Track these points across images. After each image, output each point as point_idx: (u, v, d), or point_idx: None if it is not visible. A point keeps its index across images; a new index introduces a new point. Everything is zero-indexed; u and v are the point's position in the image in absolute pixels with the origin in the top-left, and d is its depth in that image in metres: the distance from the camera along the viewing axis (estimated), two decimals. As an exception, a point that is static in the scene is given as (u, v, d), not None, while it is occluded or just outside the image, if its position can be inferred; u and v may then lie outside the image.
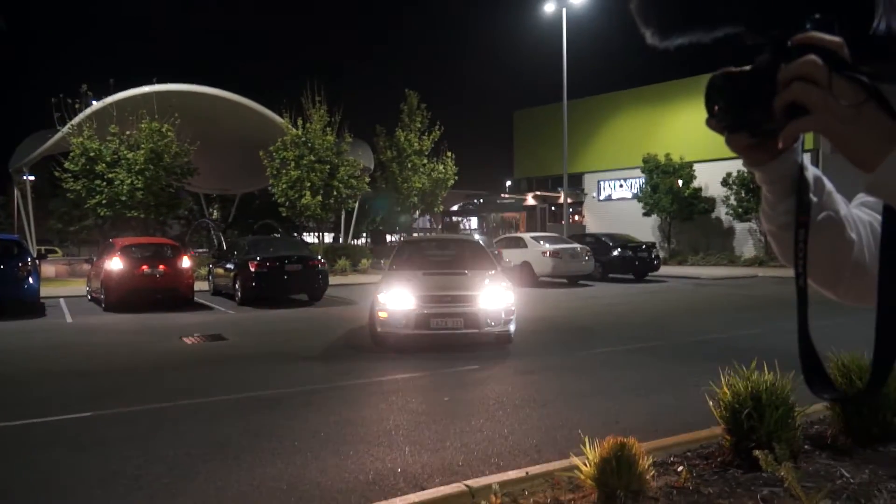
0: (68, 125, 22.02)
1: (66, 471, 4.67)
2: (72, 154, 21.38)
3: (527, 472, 3.88)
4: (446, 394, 6.64)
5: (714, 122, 0.84)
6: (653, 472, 3.51)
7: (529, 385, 7.19)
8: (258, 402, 6.47)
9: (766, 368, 4.06)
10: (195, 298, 15.36)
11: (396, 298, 8.83)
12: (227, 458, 4.81)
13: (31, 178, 29.05)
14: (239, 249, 16.54)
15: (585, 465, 3.49)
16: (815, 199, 0.90)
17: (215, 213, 40.09)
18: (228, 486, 4.27)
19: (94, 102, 23.13)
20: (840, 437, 4.24)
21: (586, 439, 3.63)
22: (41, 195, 31.36)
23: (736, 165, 30.03)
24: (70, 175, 21.31)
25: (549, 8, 28.04)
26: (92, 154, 21.37)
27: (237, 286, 15.47)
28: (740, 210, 29.80)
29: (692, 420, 5.40)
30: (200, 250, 25.83)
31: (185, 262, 15.08)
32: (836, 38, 0.72)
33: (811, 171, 0.90)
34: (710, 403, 4.14)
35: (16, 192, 29.38)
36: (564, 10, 27.36)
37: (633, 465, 3.33)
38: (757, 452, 3.36)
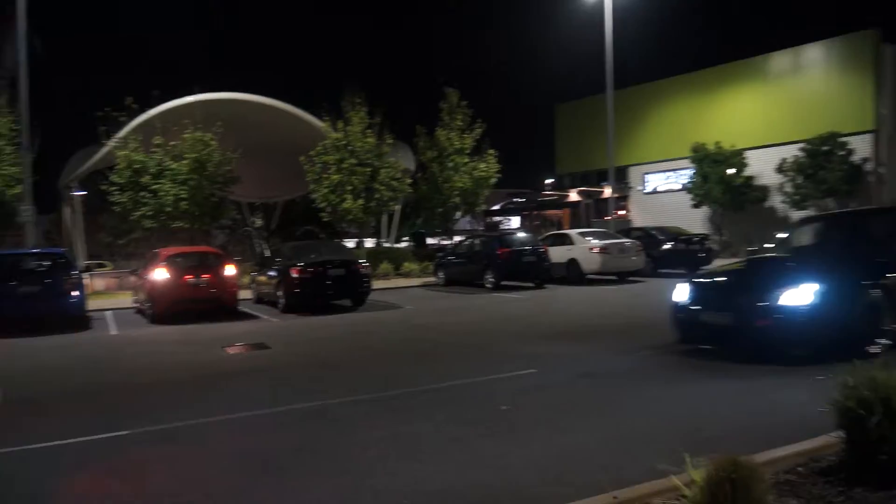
0: (114, 139, 22.18)
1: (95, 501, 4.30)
2: (118, 167, 21.53)
3: (614, 497, 3.31)
4: (504, 401, 6.09)
5: None
6: (772, 495, 2.92)
7: (593, 391, 6.61)
8: (303, 415, 6.04)
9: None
10: (239, 307, 15.15)
11: None
12: (271, 477, 4.37)
13: (82, 193, 29.52)
14: (281, 256, 16.29)
15: (689, 488, 2.92)
16: None
17: (258, 221, 40.32)
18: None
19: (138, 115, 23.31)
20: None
21: (687, 457, 3.05)
22: (91, 210, 31.86)
23: (791, 151, 28.75)
24: (116, 188, 21.45)
25: (589, -3, 27.17)
26: (137, 166, 21.46)
27: (280, 293, 15.20)
28: (797, 197, 28.51)
29: (789, 429, 4.75)
30: (244, 259, 25.81)
31: (230, 271, 14.87)
32: None
33: None
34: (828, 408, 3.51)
35: (64, 208, 29.90)
36: (605, -1, 26.48)
37: (751, 489, 2.75)
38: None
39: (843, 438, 3.40)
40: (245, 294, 16.96)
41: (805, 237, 9.28)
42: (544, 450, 4.69)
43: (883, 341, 6.90)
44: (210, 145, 22.01)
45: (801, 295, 6.91)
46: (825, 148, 27.85)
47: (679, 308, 8.02)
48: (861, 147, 27.98)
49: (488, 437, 5.06)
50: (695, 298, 7.87)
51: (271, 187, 33.49)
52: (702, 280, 8.53)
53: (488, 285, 18.66)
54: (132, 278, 16.78)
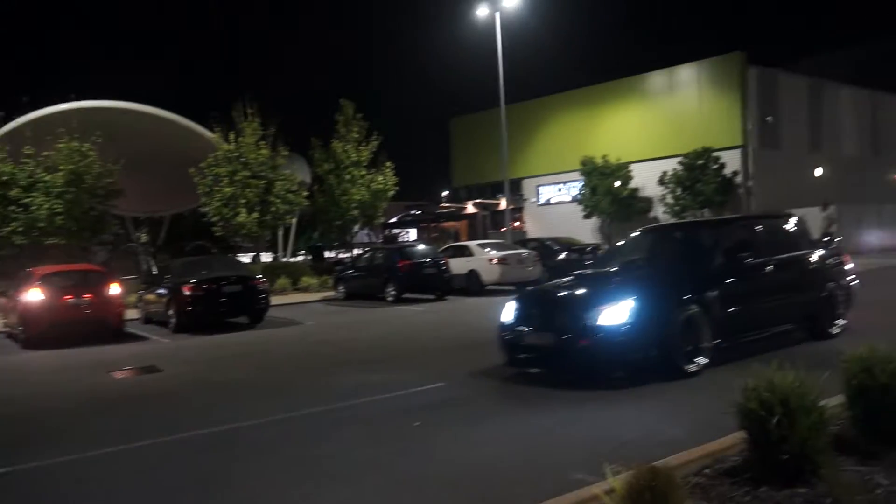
0: (-24, 149, 20.36)
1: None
2: (-19, 180, 19.76)
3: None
4: (417, 418, 6.02)
5: None
6: (688, 501, 3.01)
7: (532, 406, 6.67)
8: (203, 442, 5.70)
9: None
10: (126, 328, 14.22)
11: None
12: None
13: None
14: (171, 273, 15.46)
15: (610, 496, 2.96)
16: None
17: (143, 236, 38.18)
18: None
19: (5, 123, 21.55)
20: (861, 440, 3.85)
21: (606, 467, 3.10)
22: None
23: (671, 164, 30.55)
24: (-20, 203, 19.67)
25: (482, 13, 27.83)
26: (5, 178, 19.82)
27: (171, 312, 14.40)
28: (677, 208, 30.27)
29: (697, 430, 4.97)
30: (129, 277, 24.33)
31: (113, 289, 13.92)
32: None
33: None
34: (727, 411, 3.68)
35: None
36: (498, 15, 27.20)
37: (669, 497, 2.82)
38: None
39: (746, 439, 3.58)
40: (132, 314, 15.97)
41: (638, 249, 9.15)
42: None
43: (701, 360, 6.81)
44: (88, 156, 20.63)
45: (618, 312, 6.57)
46: (700, 162, 29.82)
47: (504, 328, 7.42)
48: (731, 161, 30.15)
49: (403, 453, 4.97)
50: (519, 317, 7.33)
51: (158, 200, 31.80)
52: (527, 297, 8.04)
53: (389, 298, 18.53)
54: (1, 300, 15.38)
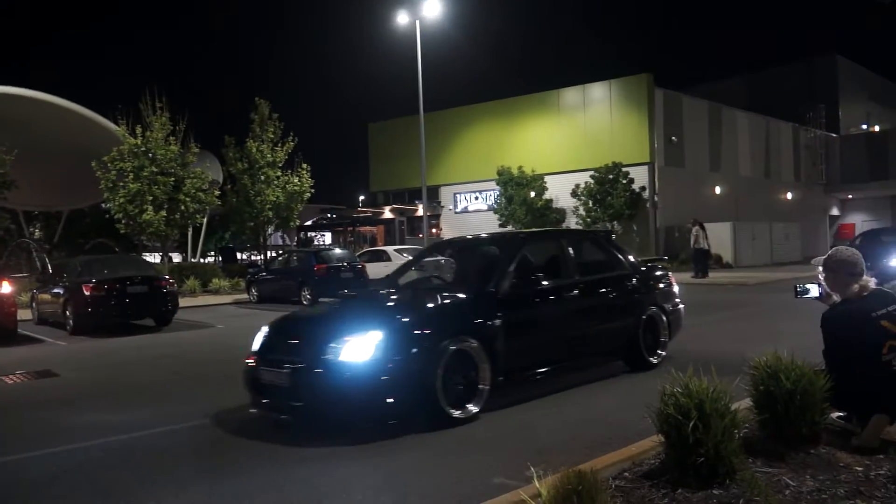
0: None
1: None
2: None
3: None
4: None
5: None
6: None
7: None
8: (104, 453, 5.38)
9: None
10: (18, 329, 13.26)
11: None
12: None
13: None
14: (69, 271, 14.57)
15: (535, 501, 3.00)
16: None
17: (37, 232, 35.83)
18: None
19: None
20: (768, 442, 4.09)
21: (533, 471, 3.14)
22: None
23: (583, 178, 31.57)
24: None
25: (402, 20, 27.89)
26: None
27: (68, 313, 13.58)
28: (588, 220, 31.26)
29: (609, 431, 5.12)
30: (20, 275, 22.73)
31: (5, 288, 12.97)
32: None
33: None
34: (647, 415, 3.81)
35: None
36: (418, 23, 27.33)
37: (595, 500, 2.89)
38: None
39: (663, 443, 3.71)
40: (25, 314, 14.93)
41: (428, 265, 8.23)
42: None
43: (472, 406, 5.60)
44: (-24, 144, 19.24)
45: (364, 345, 5.23)
46: (610, 176, 30.97)
47: (248, 359, 5.91)
48: (640, 177, 31.47)
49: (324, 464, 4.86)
50: (263, 347, 5.90)
51: (55, 194, 29.94)
52: (283, 321, 6.39)
53: (305, 302, 18.19)
54: None
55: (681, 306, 8.28)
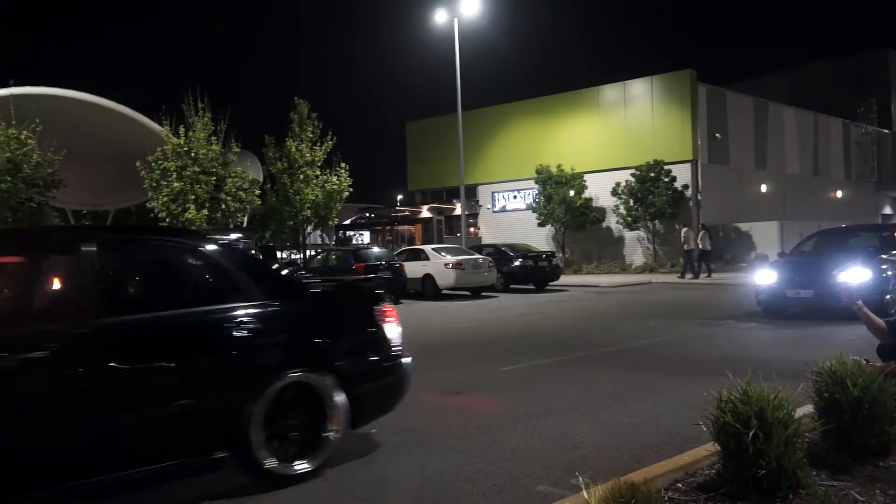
0: None
1: None
2: None
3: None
4: (372, 425, 5.77)
5: None
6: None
7: (461, 406, 6.49)
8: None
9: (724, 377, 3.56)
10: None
11: None
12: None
13: None
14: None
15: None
16: None
17: (85, 230, 36.70)
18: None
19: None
20: (832, 453, 3.82)
21: (581, 480, 2.96)
22: None
23: (624, 176, 31.02)
24: None
25: (440, 18, 27.79)
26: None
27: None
28: (629, 219, 30.71)
29: (655, 440, 4.90)
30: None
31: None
32: None
33: None
34: (703, 424, 3.59)
35: None
36: (456, 21, 27.21)
37: (651, 514, 2.70)
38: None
39: (720, 452, 3.49)
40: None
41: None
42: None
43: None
44: (27, 144, 19.70)
45: None
46: (652, 174, 30.34)
47: None
48: (682, 174, 30.78)
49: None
50: None
51: (102, 194, 30.71)
52: None
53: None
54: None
55: (403, 361, 5.02)
